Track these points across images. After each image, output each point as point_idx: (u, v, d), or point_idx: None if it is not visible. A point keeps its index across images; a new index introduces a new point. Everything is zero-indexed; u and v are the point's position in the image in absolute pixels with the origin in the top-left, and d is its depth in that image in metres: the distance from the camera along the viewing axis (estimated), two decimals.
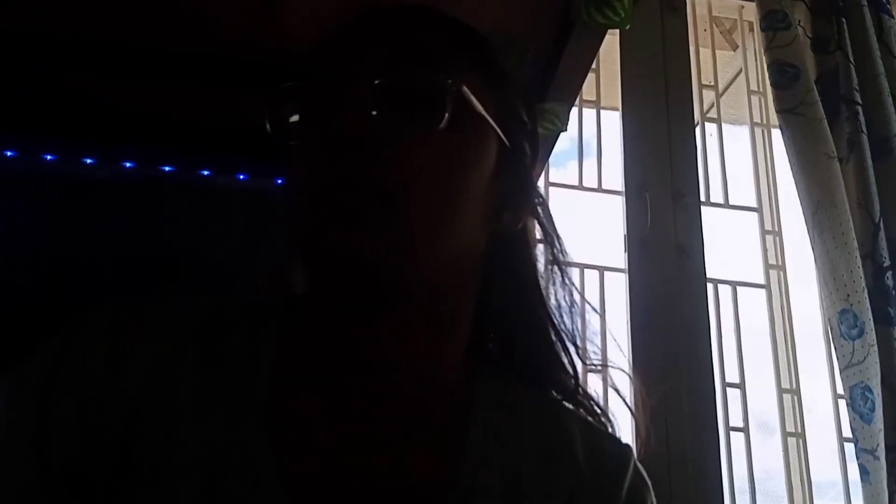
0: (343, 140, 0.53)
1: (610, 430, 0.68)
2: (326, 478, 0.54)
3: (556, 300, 0.69)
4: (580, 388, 0.68)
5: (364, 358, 0.59)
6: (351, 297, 0.57)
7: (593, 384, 0.70)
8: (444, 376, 0.61)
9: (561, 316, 0.69)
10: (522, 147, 0.65)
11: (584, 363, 0.69)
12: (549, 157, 1.74)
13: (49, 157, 1.46)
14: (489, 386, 0.64)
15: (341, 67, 0.57)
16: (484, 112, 0.58)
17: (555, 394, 0.68)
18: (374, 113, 0.54)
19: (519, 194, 0.64)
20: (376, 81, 0.55)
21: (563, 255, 0.69)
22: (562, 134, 1.38)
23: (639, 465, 0.64)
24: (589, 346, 0.70)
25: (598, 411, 0.68)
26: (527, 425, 0.63)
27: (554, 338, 0.68)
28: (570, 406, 0.67)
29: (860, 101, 1.71)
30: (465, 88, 0.56)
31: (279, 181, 1.35)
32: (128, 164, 1.48)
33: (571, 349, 0.68)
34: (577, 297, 0.70)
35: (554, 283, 0.69)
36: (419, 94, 0.55)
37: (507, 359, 0.68)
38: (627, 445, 0.66)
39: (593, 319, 0.76)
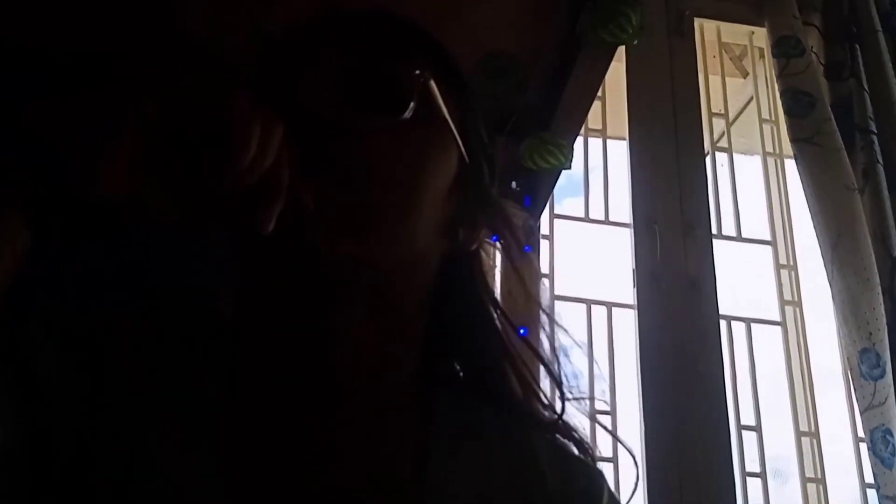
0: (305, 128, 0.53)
1: (584, 457, 0.66)
2: (284, 499, 0.54)
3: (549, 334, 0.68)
4: (555, 419, 0.67)
5: (315, 358, 0.58)
6: (300, 281, 0.56)
7: (575, 415, 0.68)
8: (398, 387, 0.61)
9: (538, 347, 0.68)
10: (481, 165, 0.66)
11: (562, 394, 0.67)
12: (551, 191, 1.70)
13: None
14: (454, 409, 0.63)
15: (305, 57, 0.58)
16: (448, 117, 0.59)
17: (523, 421, 0.66)
18: (338, 101, 0.55)
19: (476, 211, 0.65)
20: (340, 68, 0.56)
21: (533, 282, 0.69)
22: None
23: (613, 492, 0.64)
24: (575, 381, 0.68)
25: (576, 438, 0.67)
26: (493, 451, 0.61)
27: (519, 366, 0.67)
28: (542, 432, 0.66)
29: (875, 130, 1.69)
30: (431, 83, 0.57)
31: None
32: None
33: (544, 380, 0.67)
34: (558, 330, 0.69)
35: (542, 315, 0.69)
36: (385, 83, 0.56)
37: (473, 384, 0.68)
38: (600, 472, 0.65)
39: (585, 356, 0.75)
